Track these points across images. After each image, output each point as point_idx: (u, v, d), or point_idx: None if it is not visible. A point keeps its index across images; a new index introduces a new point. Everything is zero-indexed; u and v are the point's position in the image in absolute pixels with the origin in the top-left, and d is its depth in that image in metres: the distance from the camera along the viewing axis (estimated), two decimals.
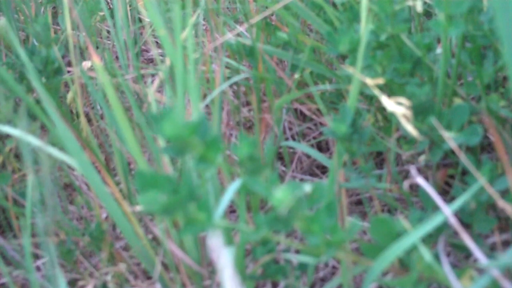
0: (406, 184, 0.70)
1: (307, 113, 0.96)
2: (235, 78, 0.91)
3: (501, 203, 0.55)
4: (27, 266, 0.67)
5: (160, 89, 1.15)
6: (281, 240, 0.53)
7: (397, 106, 0.61)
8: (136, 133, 0.88)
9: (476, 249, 0.51)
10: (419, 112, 0.67)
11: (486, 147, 0.80)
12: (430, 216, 0.60)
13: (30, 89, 0.97)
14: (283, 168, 0.98)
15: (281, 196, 0.48)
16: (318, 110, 0.97)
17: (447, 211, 0.52)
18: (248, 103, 1.10)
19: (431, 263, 0.51)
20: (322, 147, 1.02)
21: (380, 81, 0.66)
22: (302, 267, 0.65)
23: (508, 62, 0.48)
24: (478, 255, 0.51)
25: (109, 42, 1.35)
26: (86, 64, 1.08)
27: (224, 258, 0.50)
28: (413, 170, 0.62)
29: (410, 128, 0.60)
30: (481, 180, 0.59)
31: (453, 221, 0.52)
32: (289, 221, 0.49)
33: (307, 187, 0.49)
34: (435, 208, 0.62)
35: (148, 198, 0.48)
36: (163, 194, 0.48)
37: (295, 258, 0.65)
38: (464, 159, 0.61)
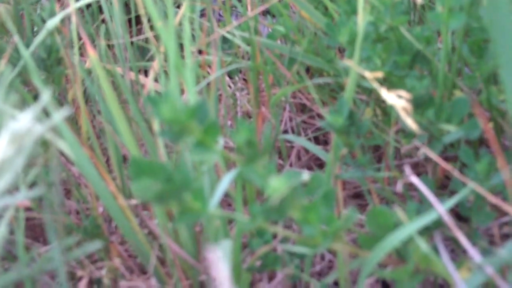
0: (399, 185, 0.69)
1: (307, 103, 0.96)
2: (232, 66, 0.91)
3: (494, 200, 0.54)
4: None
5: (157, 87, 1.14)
6: (277, 231, 0.53)
7: (397, 99, 0.60)
8: (132, 126, 0.88)
9: (470, 247, 0.50)
10: (419, 105, 0.66)
11: (485, 140, 0.79)
12: (427, 209, 0.59)
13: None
14: (281, 162, 0.97)
15: (277, 184, 0.47)
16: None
17: (441, 210, 0.51)
18: (246, 95, 1.10)
19: (428, 253, 0.51)
20: (320, 141, 1.01)
21: (379, 74, 0.65)
22: (299, 258, 0.64)
23: (501, 62, 0.47)
24: (472, 253, 0.50)
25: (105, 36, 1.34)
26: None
27: (222, 271, 0.48)
28: (407, 168, 0.61)
29: (409, 122, 0.60)
30: (471, 183, 0.58)
31: (447, 219, 0.51)
32: (283, 210, 0.48)
33: (305, 176, 0.48)
34: None
35: (142, 186, 0.47)
36: (157, 182, 0.47)
37: (292, 249, 0.64)
38: (457, 162, 0.61)
